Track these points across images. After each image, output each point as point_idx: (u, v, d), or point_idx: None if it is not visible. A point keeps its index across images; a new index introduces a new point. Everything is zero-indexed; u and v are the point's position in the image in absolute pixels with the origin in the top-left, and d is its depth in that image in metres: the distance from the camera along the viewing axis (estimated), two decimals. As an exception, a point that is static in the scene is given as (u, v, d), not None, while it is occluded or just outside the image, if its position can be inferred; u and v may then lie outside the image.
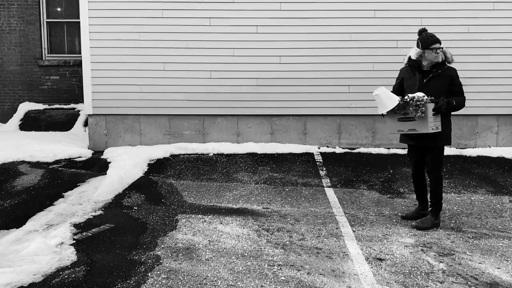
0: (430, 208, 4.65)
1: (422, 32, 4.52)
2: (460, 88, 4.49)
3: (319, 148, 8.01)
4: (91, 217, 4.91)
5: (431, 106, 4.28)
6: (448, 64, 4.52)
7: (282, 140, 8.14)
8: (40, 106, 10.19)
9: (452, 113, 4.58)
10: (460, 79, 4.52)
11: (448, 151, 7.71)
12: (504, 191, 5.82)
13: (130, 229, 4.57)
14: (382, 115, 4.56)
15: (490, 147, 8.04)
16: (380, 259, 3.91)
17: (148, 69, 7.94)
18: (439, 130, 4.39)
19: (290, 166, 7.00)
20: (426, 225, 4.57)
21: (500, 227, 4.66)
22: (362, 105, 7.94)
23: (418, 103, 4.24)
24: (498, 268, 3.76)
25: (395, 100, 4.38)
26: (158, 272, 3.65)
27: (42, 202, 5.44)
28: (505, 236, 4.41)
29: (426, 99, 4.27)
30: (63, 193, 5.76)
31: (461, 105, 4.46)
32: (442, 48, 4.47)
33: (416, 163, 4.75)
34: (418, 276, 3.61)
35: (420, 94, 4.32)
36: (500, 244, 4.23)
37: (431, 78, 4.48)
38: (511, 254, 4.02)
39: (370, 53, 7.89)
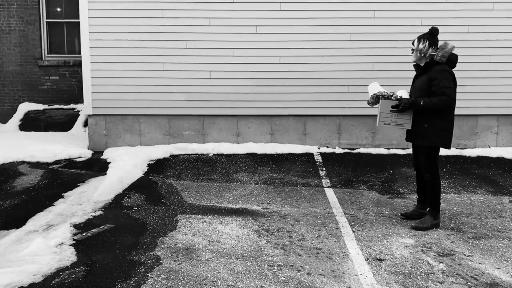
0: (429, 208, 4.66)
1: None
2: (440, 88, 4.32)
3: (319, 148, 8.01)
4: (91, 217, 4.91)
5: (383, 102, 4.53)
6: (439, 62, 4.44)
7: (282, 141, 8.15)
8: (40, 106, 10.20)
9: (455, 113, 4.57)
10: (445, 80, 4.33)
11: (448, 151, 7.71)
12: (504, 191, 5.82)
13: (130, 230, 4.57)
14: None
15: (490, 147, 8.04)
16: (380, 260, 3.91)
17: (148, 69, 7.95)
18: (404, 127, 4.53)
19: (290, 166, 7.00)
20: (425, 225, 4.57)
21: (500, 227, 4.66)
22: (362, 105, 7.94)
23: (374, 96, 4.62)
24: (498, 268, 3.76)
25: (370, 93, 4.74)
26: (158, 273, 3.65)
27: (42, 202, 5.44)
28: (505, 236, 4.41)
29: (381, 95, 4.55)
30: (63, 194, 5.76)
31: (435, 105, 4.34)
32: (422, 47, 4.45)
33: (414, 160, 4.80)
34: (418, 277, 3.61)
35: (397, 92, 4.58)
36: (500, 244, 4.23)
37: (416, 76, 4.64)
38: (511, 254, 4.02)
39: (370, 53, 7.89)
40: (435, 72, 4.39)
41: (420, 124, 4.48)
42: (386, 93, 4.58)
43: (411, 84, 4.82)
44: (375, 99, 4.61)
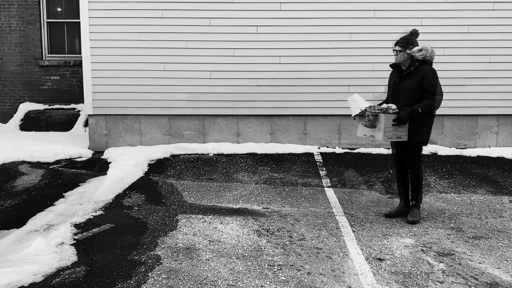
0: (414, 202, 4.76)
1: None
2: (433, 88, 4.45)
3: (319, 148, 8.01)
4: (92, 217, 4.91)
5: (385, 116, 4.48)
6: (426, 63, 4.53)
7: (282, 140, 8.15)
8: (40, 106, 10.20)
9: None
10: (436, 79, 4.47)
11: (448, 151, 7.72)
12: (504, 191, 5.82)
13: (131, 229, 4.58)
14: (354, 118, 4.80)
15: (490, 147, 8.05)
16: (380, 259, 3.91)
17: (148, 69, 7.95)
18: (403, 139, 4.55)
19: (290, 166, 7.01)
20: (417, 218, 4.71)
21: (500, 227, 4.66)
22: (362, 105, 7.94)
23: (373, 112, 4.53)
24: (498, 268, 3.77)
25: (357, 108, 4.67)
26: (159, 272, 3.66)
27: (43, 202, 5.44)
28: (505, 236, 4.41)
29: (380, 110, 4.51)
30: (63, 193, 5.76)
31: (430, 107, 4.46)
32: (405, 50, 4.53)
33: (397, 158, 4.84)
34: (418, 276, 3.62)
35: (384, 106, 4.55)
36: (500, 244, 4.24)
37: (402, 77, 4.64)
38: (511, 254, 4.03)
39: (370, 53, 7.90)
40: (428, 72, 4.49)
41: (414, 122, 4.54)
42: (375, 108, 4.54)
43: (388, 83, 4.83)
44: (374, 116, 4.53)
